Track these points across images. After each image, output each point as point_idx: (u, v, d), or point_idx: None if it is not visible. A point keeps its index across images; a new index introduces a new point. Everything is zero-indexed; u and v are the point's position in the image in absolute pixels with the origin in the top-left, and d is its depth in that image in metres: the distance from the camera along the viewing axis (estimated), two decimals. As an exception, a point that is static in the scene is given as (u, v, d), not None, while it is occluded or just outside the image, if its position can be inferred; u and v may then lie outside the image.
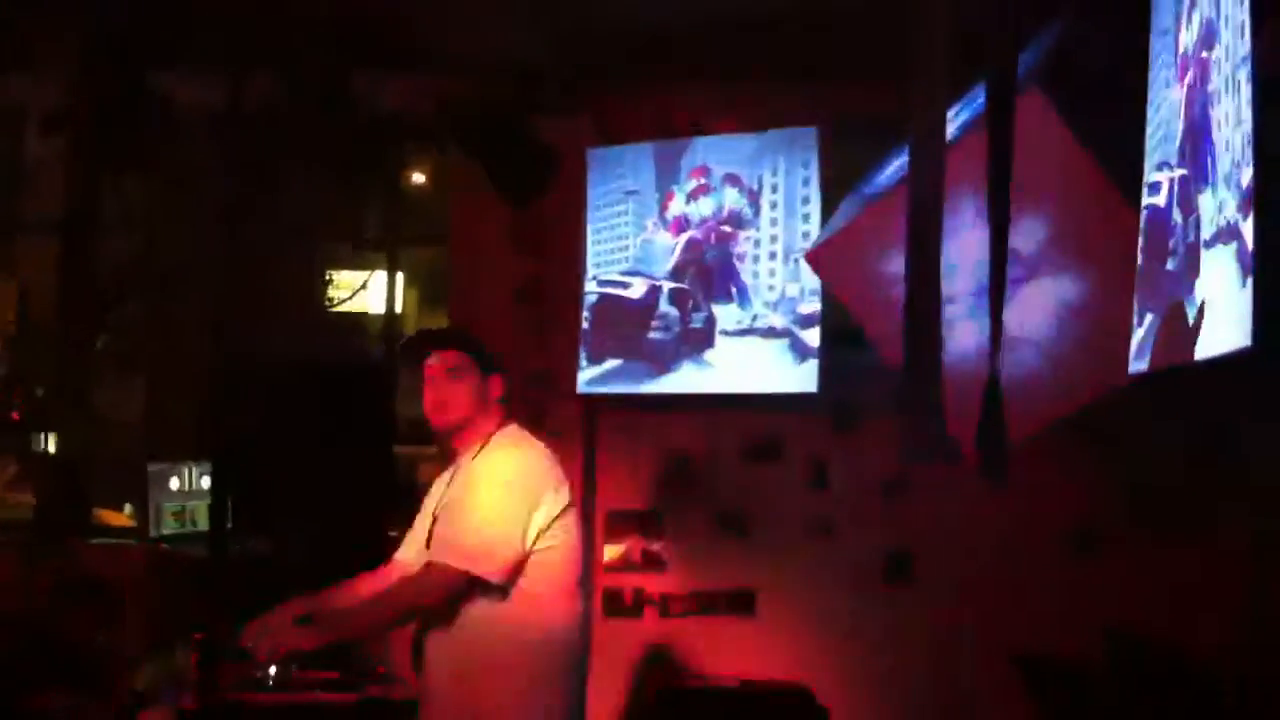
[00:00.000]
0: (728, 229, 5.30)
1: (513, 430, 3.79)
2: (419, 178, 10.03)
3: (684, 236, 5.39)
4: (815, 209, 5.07)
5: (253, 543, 4.92)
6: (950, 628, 5.68)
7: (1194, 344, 2.53)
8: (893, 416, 5.15)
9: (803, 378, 5.09)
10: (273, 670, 3.54)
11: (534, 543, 3.58)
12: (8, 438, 11.78)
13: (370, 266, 10.21)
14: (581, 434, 5.74)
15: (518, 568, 3.56)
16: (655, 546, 5.86)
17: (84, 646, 5.01)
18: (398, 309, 12.52)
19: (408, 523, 4.05)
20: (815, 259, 4.43)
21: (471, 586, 3.52)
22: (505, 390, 3.81)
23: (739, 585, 5.81)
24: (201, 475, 4.98)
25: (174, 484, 5.00)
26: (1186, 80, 2.65)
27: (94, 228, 8.41)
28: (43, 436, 9.76)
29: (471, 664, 3.57)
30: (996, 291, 2.87)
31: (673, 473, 5.89)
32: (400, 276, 12.15)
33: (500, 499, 3.60)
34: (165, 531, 4.99)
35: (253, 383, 5.66)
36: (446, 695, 3.55)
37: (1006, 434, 2.85)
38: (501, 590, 3.54)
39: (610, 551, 5.82)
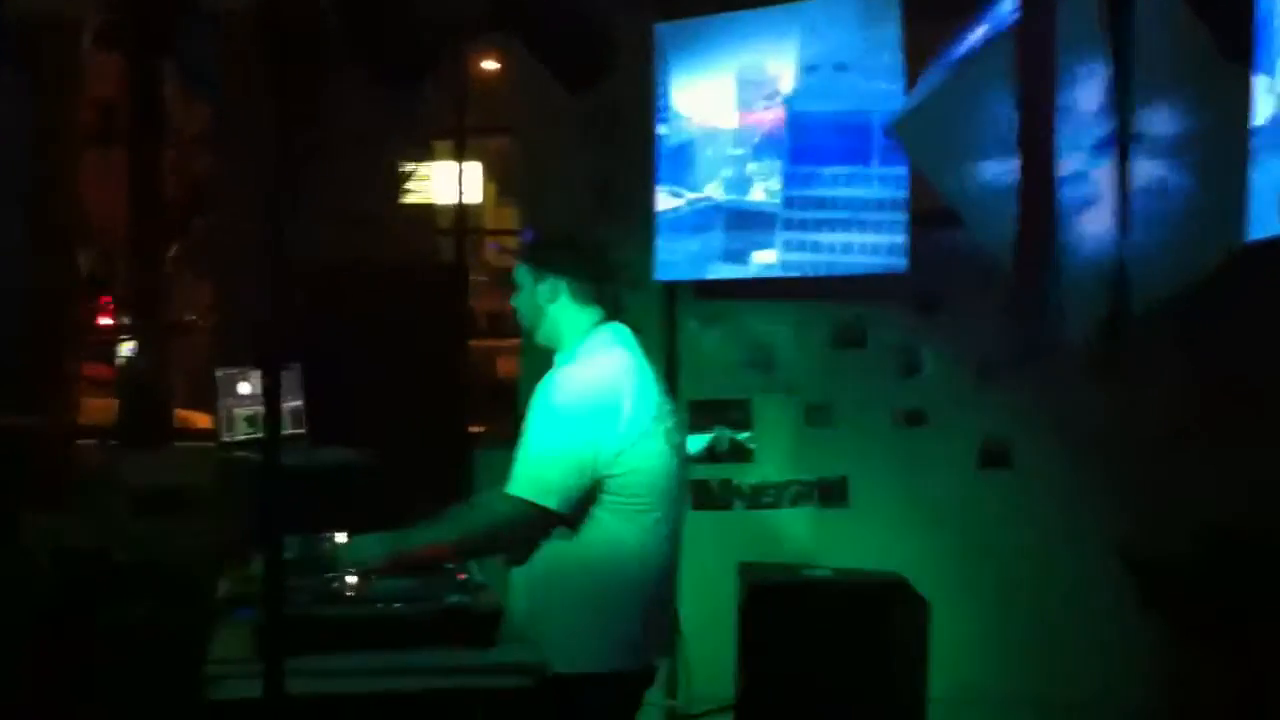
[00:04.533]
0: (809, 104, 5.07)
1: (599, 339, 3.62)
2: (492, 65, 9.84)
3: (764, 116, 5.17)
4: (899, 78, 4.76)
5: (330, 448, 4.87)
6: (1048, 516, 5.54)
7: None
8: (984, 297, 5.02)
9: (889, 258, 4.87)
10: (350, 580, 3.44)
11: (608, 468, 3.45)
12: (96, 344, 11.97)
13: (442, 158, 10.11)
14: (661, 324, 5.60)
15: (585, 498, 3.44)
16: (742, 437, 5.71)
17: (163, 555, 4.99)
18: (477, 199, 12.41)
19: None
20: (899, 131, 4.24)
21: (543, 518, 3.43)
22: (561, 292, 3.63)
23: (830, 475, 5.67)
24: (273, 379, 4.88)
25: (243, 389, 4.91)
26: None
27: (159, 139, 8.41)
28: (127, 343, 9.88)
29: (544, 593, 3.51)
30: (1121, 162, 2.65)
31: (758, 360, 5.73)
32: (480, 169, 12.08)
33: (557, 428, 3.46)
34: (239, 437, 4.93)
35: (319, 284, 5.57)
36: (523, 624, 3.45)
37: (1129, 315, 2.65)
38: (568, 521, 3.45)
39: (696, 443, 5.67)
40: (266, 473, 2.86)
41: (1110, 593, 5.44)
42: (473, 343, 7.91)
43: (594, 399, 3.48)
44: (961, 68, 3.98)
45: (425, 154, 10.10)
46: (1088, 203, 3.08)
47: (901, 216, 4.82)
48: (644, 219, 5.37)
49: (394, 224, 8.57)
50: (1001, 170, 3.51)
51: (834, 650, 4.87)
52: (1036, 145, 2.52)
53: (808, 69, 5.01)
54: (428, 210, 9.65)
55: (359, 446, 4.96)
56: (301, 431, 4.76)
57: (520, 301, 3.72)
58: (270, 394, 2.74)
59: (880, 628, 4.93)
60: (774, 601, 5.04)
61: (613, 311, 3.70)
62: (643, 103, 5.31)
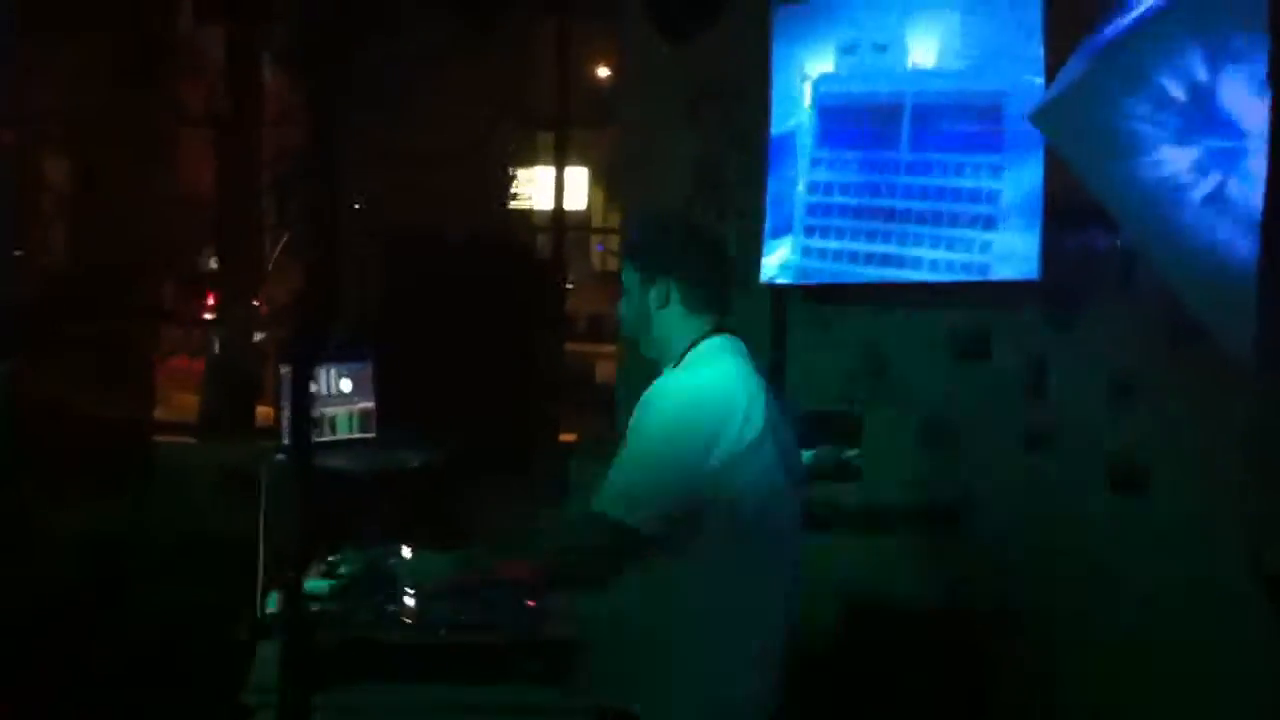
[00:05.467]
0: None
1: (708, 348, 3.29)
2: (604, 72, 9.65)
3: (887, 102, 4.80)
4: (1039, 64, 4.40)
5: (401, 452, 4.60)
6: (1187, 546, 5.05)
7: None
8: (1123, 305, 4.65)
9: (1020, 262, 4.55)
10: (409, 602, 3.13)
11: (713, 490, 3.11)
12: (198, 336, 11.91)
13: (545, 156, 9.86)
14: (767, 329, 5.27)
15: (682, 521, 3.11)
16: (849, 454, 5.39)
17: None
18: (582, 205, 12.18)
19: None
20: (1041, 120, 3.87)
21: (629, 538, 3.10)
22: (673, 297, 3.30)
23: (944, 498, 5.28)
24: (341, 378, 4.58)
25: (312, 386, 4.64)
26: None
27: (254, 118, 8.26)
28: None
29: (634, 632, 3.19)
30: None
31: (870, 372, 5.40)
32: (585, 173, 11.82)
33: (657, 440, 3.14)
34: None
35: (404, 277, 5.31)
36: (603, 655, 3.17)
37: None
38: (663, 547, 3.11)
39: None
40: (300, 485, 2.54)
41: (1261, 631, 5.01)
42: (570, 346, 7.60)
43: (700, 410, 3.16)
44: (1111, 50, 3.62)
45: (529, 155, 9.87)
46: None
47: (1037, 216, 4.49)
48: (754, 214, 5.06)
49: (491, 221, 8.36)
50: (1171, 163, 3.16)
51: (937, 687, 4.69)
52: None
53: (937, 53, 4.70)
54: (526, 210, 9.46)
55: (437, 451, 4.68)
56: (370, 435, 4.47)
57: (626, 308, 3.40)
58: (295, 395, 2.43)
59: (988, 666, 4.73)
60: (877, 637, 4.85)
61: (722, 317, 3.38)
62: (758, 87, 5.02)
